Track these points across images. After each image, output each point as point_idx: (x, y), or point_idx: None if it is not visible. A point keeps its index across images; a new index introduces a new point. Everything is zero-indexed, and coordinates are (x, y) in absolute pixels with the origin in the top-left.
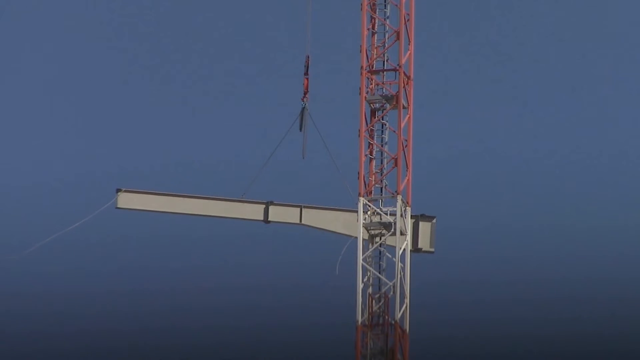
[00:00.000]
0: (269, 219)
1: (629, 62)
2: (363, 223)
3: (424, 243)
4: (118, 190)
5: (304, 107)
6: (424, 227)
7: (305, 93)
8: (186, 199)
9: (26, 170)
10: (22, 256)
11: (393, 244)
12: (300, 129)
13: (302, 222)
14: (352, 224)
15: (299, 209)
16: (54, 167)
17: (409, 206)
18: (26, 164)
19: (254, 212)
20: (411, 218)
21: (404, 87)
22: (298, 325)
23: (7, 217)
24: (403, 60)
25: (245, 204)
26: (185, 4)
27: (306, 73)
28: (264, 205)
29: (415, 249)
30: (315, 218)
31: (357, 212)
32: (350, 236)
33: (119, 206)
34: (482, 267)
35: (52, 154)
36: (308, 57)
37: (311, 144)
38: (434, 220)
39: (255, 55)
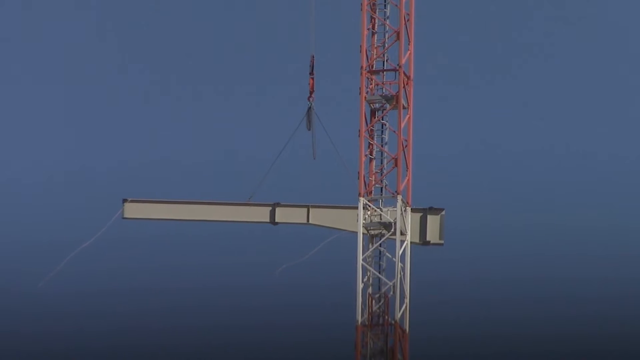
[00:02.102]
0: (276, 220)
1: (630, 61)
2: (363, 223)
3: (432, 236)
4: (124, 201)
5: (310, 107)
6: (432, 220)
7: (311, 93)
8: (192, 206)
9: (25, 170)
10: (39, 286)
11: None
12: (308, 129)
13: (310, 221)
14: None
15: (306, 209)
16: (54, 168)
17: (409, 206)
18: (25, 163)
19: (260, 214)
20: (419, 212)
21: (403, 87)
22: (298, 325)
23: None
24: (403, 60)
25: (252, 206)
26: (188, 3)
27: (311, 73)
28: (270, 207)
29: (424, 242)
30: (323, 217)
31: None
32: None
33: (125, 216)
34: (482, 266)
35: (53, 154)
36: (313, 57)
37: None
38: (443, 213)
39: (259, 55)
